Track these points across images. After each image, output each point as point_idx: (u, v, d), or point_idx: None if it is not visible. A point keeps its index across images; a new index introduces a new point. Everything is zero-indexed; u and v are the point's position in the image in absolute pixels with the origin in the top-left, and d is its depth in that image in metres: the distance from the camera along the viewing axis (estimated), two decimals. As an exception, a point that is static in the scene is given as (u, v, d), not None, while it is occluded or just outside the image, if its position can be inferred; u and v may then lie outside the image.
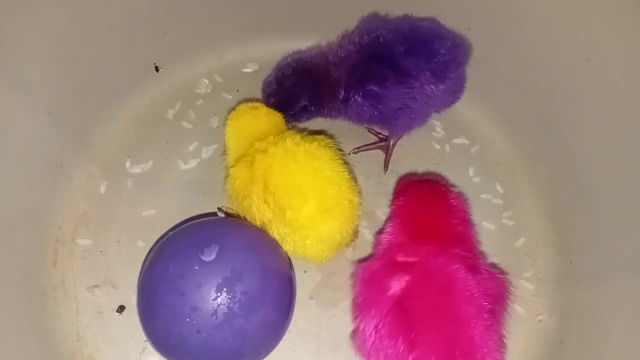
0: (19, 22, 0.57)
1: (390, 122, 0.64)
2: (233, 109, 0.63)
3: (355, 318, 0.53)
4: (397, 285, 0.50)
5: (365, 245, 0.62)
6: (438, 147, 0.69)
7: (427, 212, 0.57)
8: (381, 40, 0.61)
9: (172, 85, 0.71)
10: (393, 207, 0.60)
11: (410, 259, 0.52)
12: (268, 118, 0.61)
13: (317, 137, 0.58)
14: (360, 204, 0.57)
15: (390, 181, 0.66)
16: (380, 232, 0.59)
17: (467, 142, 0.69)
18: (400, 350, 0.48)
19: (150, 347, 0.56)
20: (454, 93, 0.66)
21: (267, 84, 0.64)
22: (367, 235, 0.63)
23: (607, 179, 0.59)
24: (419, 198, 0.59)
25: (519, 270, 0.62)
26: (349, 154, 0.67)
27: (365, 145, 0.68)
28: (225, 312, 0.49)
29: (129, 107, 0.69)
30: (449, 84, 0.62)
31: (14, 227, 0.58)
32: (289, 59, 0.64)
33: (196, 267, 0.49)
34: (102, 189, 0.65)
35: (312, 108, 0.63)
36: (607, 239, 0.58)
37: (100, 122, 0.67)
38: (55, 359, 0.56)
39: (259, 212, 0.55)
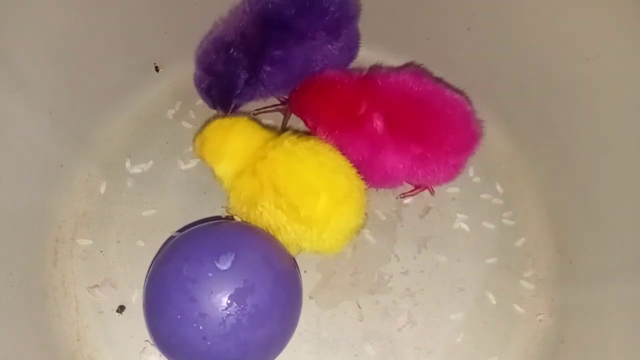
0: (19, 22, 0.57)
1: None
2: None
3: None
4: (363, 106, 0.58)
5: (365, 246, 0.62)
6: (438, 147, 0.69)
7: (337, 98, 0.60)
8: (270, 6, 0.61)
9: (172, 85, 0.71)
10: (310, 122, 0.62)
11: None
12: (246, 128, 0.59)
13: (310, 136, 0.58)
14: (366, 188, 0.57)
15: (390, 181, 0.66)
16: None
17: (467, 142, 0.69)
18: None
19: (150, 347, 0.56)
20: (350, 50, 0.66)
21: (199, 80, 0.63)
22: (367, 236, 0.63)
23: (607, 179, 0.59)
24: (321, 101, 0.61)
25: (519, 270, 0.62)
26: (250, 113, 0.67)
27: (264, 108, 0.69)
28: (234, 323, 0.48)
29: (129, 107, 0.69)
30: (344, 41, 0.63)
31: (14, 227, 0.58)
32: (203, 47, 0.63)
33: (210, 274, 0.49)
34: (102, 189, 0.65)
35: (253, 80, 0.62)
36: (607, 239, 0.58)
37: (100, 122, 0.67)
38: (55, 359, 0.56)
39: (272, 218, 0.55)
